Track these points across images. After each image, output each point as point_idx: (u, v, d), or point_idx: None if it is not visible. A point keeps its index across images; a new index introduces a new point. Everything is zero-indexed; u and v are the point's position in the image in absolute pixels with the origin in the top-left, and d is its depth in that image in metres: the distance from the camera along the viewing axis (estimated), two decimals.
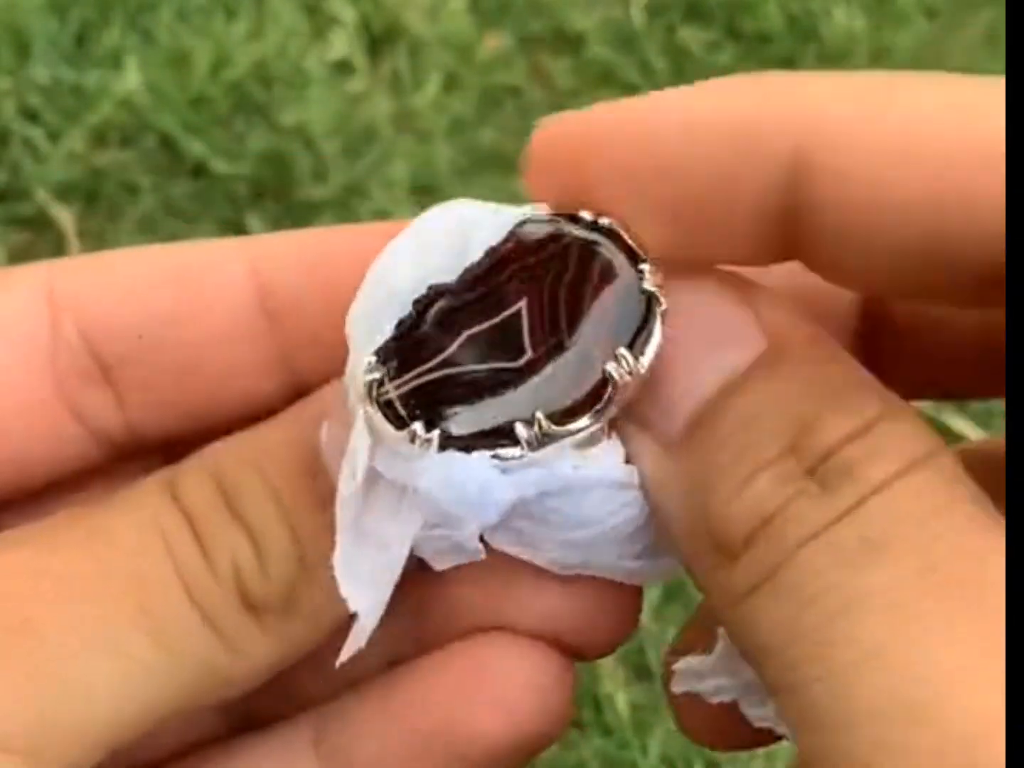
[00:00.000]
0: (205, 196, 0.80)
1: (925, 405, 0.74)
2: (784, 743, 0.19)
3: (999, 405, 0.75)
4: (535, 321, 0.18)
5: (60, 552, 0.18)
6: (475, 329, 0.18)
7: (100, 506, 0.18)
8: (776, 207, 0.15)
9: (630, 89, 0.86)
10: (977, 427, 0.73)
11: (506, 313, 0.18)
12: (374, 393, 0.18)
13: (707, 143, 0.16)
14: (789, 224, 0.15)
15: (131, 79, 0.82)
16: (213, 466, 0.18)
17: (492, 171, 0.82)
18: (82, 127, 0.81)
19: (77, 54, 0.84)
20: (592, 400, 0.17)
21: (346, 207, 0.79)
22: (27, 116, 0.81)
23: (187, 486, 0.18)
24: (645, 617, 0.67)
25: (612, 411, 0.17)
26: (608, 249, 0.18)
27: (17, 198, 0.78)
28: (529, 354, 0.17)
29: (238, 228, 0.79)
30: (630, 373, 0.17)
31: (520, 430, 0.17)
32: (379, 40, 0.87)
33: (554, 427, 0.17)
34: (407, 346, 0.18)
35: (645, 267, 0.18)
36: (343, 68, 0.86)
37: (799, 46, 0.88)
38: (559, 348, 0.17)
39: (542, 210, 0.19)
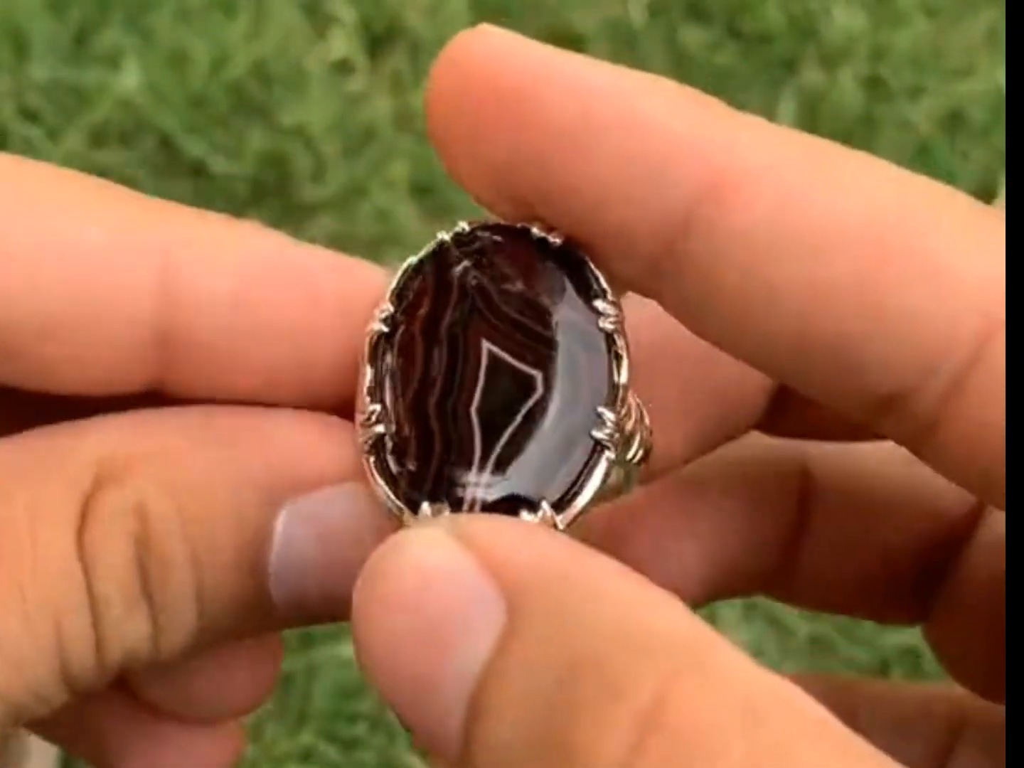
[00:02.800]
0: (205, 196, 0.79)
1: None
2: None
3: None
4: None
5: None
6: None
7: None
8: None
9: None
10: None
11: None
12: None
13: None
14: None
15: (130, 79, 0.82)
16: (134, 500, 0.15)
17: None
18: (81, 127, 0.81)
19: (76, 54, 0.84)
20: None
21: (346, 207, 0.79)
22: (26, 116, 0.81)
23: (101, 528, 0.15)
24: None
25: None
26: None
27: None
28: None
29: None
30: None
31: (526, 517, 0.15)
32: (379, 40, 0.87)
33: (556, 516, 0.16)
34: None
35: (608, 317, 0.16)
36: (343, 68, 0.85)
37: (799, 46, 0.88)
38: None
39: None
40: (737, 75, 0.87)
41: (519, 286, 0.16)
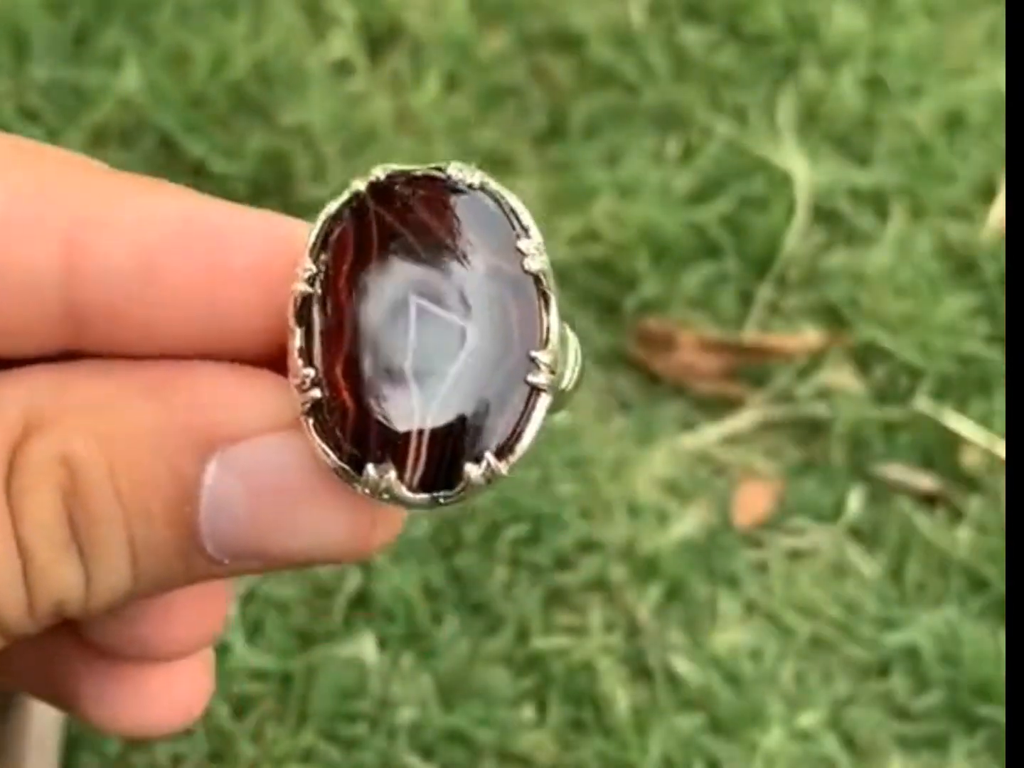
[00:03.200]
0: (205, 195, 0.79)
1: (923, 406, 0.75)
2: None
3: (999, 404, 0.75)
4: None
5: None
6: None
7: None
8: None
9: (630, 88, 0.86)
10: (978, 429, 0.73)
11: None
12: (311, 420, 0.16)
13: None
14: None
15: (131, 79, 0.82)
16: (60, 451, 0.15)
17: (492, 171, 0.82)
18: (81, 127, 0.81)
19: (76, 54, 0.84)
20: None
21: None
22: (27, 116, 0.81)
23: (29, 476, 0.15)
24: (645, 617, 0.67)
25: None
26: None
27: None
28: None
29: None
30: (489, 475, 0.16)
31: (473, 471, 0.16)
32: (379, 40, 0.87)
33: (494, 472, 0.16)
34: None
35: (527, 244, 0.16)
36: (343, 68, 0.85)
37: (799, 46, 0.88)
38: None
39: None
40: (737, 75, 0.87)
41: (441, 234, 0.16)
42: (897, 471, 0.73)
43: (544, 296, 0.16)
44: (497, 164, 0.82)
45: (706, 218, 0.80)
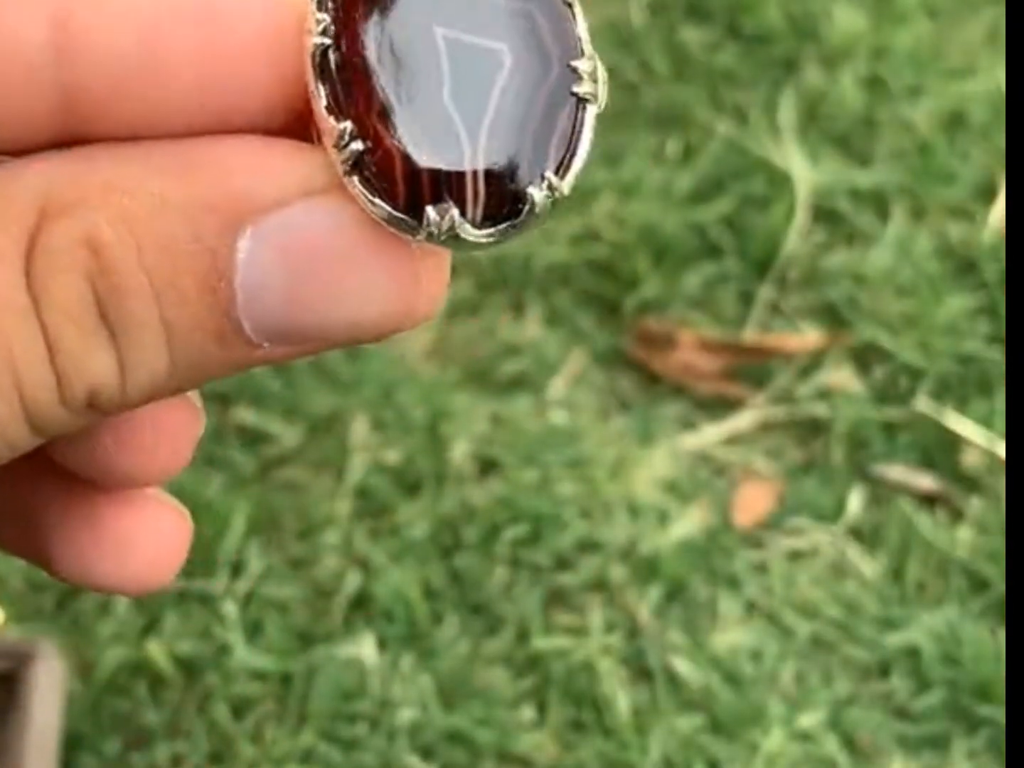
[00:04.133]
0: None
1: (923, 406, 0.75)
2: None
3: (1000, 405, 0.75)
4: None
5: None
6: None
7: None
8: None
9: (631, 88, 0.86)
10: (978, 429, 0.73)
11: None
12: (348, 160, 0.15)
13: None
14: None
15: None
16: (86, 231, 0.15)
17: None
18: None
19: None
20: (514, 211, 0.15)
21: None
22: None
23: (51, 260, 0.15)
24: (645, 617, 0.67)
25: (525, 230, 0.15)
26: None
27: None
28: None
29: None
30: (552, 195, 0.15)
31: (536, 194, 0.15)
32: None
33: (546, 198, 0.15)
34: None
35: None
36: None
37: (799, 46, 0.88)
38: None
39: None
40: (737, 75, 0.87)
41: None
42: (897, 471, 0.73)
43: (570, 6, 0.15)
44: None
45: (706, 218, 0.80)
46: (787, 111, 0.85)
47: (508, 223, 0.15)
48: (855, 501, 0.71)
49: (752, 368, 0.76)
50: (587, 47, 0.15)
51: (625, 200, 0.80)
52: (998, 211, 0.81)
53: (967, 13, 0.91)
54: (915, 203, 0.82)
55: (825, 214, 0.81)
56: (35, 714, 0.57)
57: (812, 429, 0.74)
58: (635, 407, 0.74)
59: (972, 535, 0.70)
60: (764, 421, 0.75)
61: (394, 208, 0.15)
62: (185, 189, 0.15)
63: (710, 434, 0.74)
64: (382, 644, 0.65)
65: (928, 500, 0.72)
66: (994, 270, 0.79)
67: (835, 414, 0.74)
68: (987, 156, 0.83)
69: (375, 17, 0.15)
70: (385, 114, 0.15)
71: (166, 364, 0.15)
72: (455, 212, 0.15)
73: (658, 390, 0.75)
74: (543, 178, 0.15)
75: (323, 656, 0.64)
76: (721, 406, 0.75)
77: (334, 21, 0.15)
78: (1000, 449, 0.72)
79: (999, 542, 0.70)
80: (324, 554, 0.68)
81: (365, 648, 0.64)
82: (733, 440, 0.74)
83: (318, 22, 0.15)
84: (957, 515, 0.71)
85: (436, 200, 0.15)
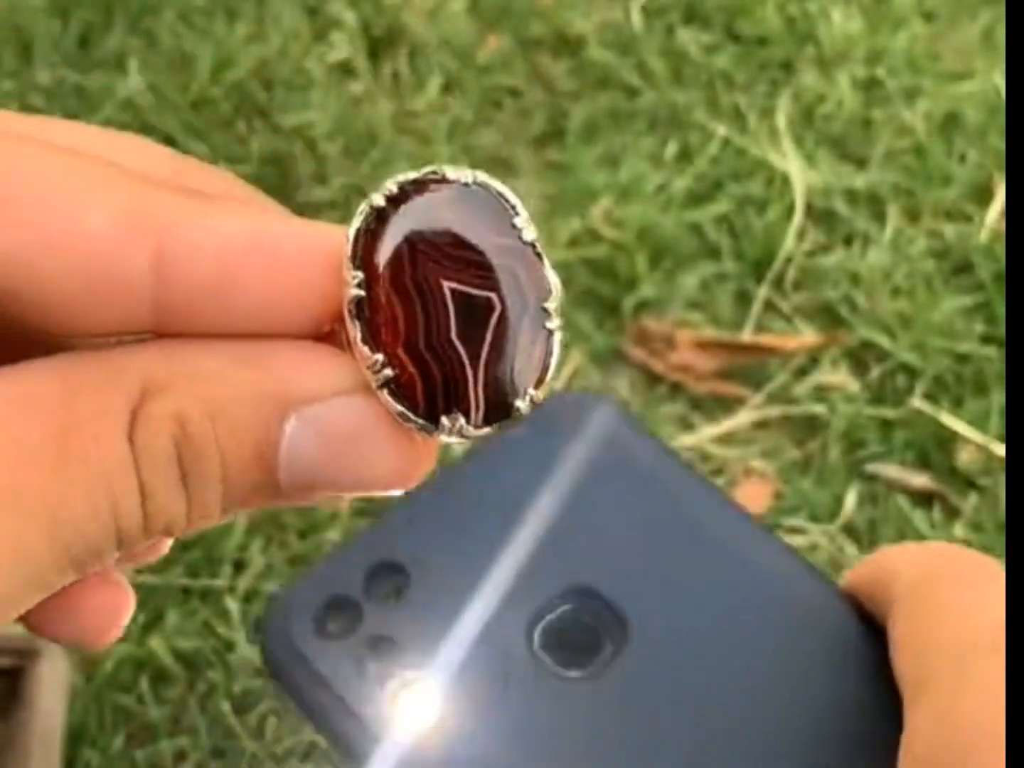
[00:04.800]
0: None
1: (919, 405, 0.75)
2: None
3: (995, 403, 0.75)
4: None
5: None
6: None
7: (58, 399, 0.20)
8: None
9: (629, 90, 0.86)
10: (973, 428, 0.74)
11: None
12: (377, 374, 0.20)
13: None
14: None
15: (133, 81, 0.83)
16: (177, 410, 0.20)
17: (492, 172, 0.82)
18: None
19: (80, 56, 0.84)
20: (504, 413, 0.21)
21: (347, 208, 0.80)
22: None
23: (149, 429, 0.20)
24: None
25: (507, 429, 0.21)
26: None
27: None
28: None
29: None
30: (532, 404, 0.21)
31: (521, 405, 0.20)
32: (380, 42, 0.87)
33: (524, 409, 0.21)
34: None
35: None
36: (344, 70, 0.86)
37: (797, 48, 0.89)
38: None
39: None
40: (735, 77, 0.87)
41: (455, 227, 0.20)
42: (893, 470, 0.73)
43: (540, 257, 0.21)
44: (497, 165, 0.83)
45: (704, 219, 0.81)
46: (784, 113, 0.86)
47: (500, 423, 0.20)
48: (852, 499, 0.72)
49: (750, 368, 0.77)
50: (555, 289, 0.21)
51: (623, 201, 0.81)
52: (994, 212, 0.82)
53: (963, 16, 0.91)
54: (911, 204, 0.82)
55: (822, 215, 0.82)
56: (39, 709, 0.58)
57: (809, 428, 0.75)
58: (633, 406, 0.75)
59: (967, 533, 0.71)
60: (761, 420, 0.75)
61: (415, 415, 0.20)
62: (250, 380, 0.20)
63: (708, 433, 0.74)
64: None
65: (924, 498, 0.72)
66: (989, 270, 0.79)
67: (832, 413, 0.74)
68: (983, 157, 0.84)
69: (399, 273, 0.20)
70: (409, 349, 0.20)
71: (220, 505, 0.21)
72: (462, 420, 0.20)
73: (656, 389, 0.76)
74: (526, 392, 0.20)
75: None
76: (719, 405, 0.75)
77: (366, 276, 0.20)
78: (995, 447, 0.72)
79: (994, 540, 0.70)
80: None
81: None
82: (731, 439, 0.74)
83: (353, 277, 0.20)
84: (953, 513, 0.72)
85: (448, 412, 0.20)
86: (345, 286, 0.20)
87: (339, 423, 0.21)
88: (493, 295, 0.20)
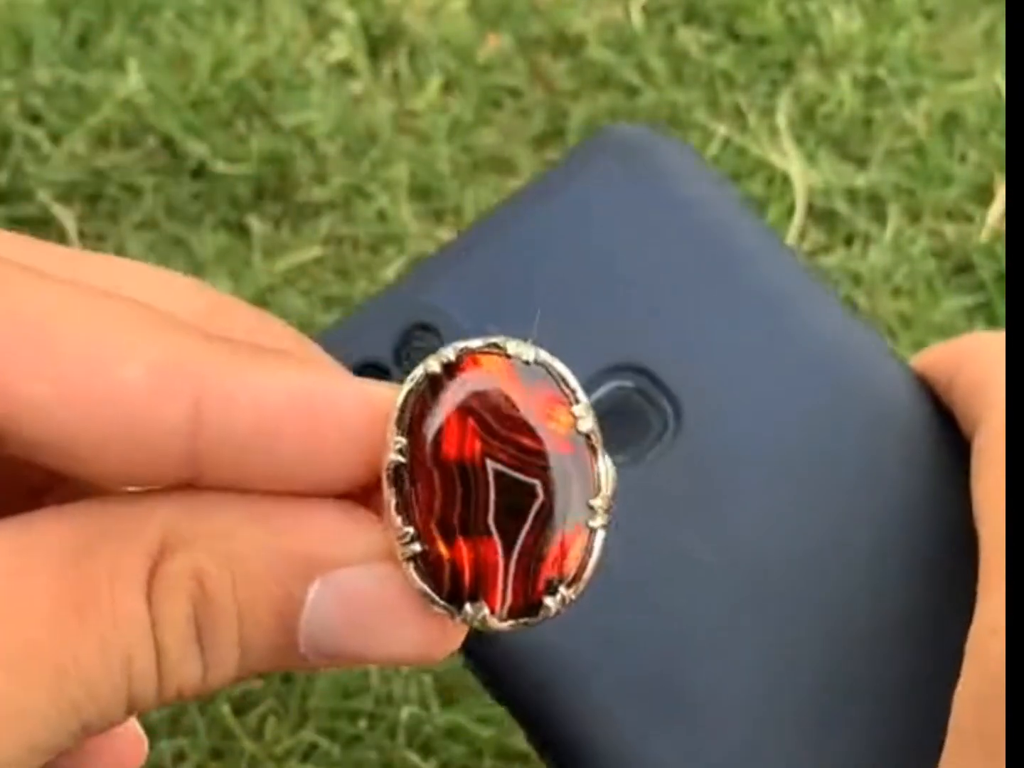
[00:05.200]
0: (206, 197, 0.80)
1: None
2: None
3: None
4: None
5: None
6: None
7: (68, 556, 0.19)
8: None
9: (630, 90, 0.86)
10: None
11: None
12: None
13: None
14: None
15: (133, 80, 0.83)
16: (196, 568, 0.19)
17: (492, 172, 0.82)
18: (84, 128, 0.81)
19: (79, 55, 0.84)
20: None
21: (347, 208, 0.80)
22: (29, 117, 0.81)
23: (167, 588, 0.19)
24: None
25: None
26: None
27: (19, 199, 0.79)
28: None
29: (239, 229, 0.79)
30: (564, 604, 0.20)
31: (551, 603, 0.19)
32: (380, 42, 0.87)
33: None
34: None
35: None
36: (344, 70, 0.86)
37: (797, 48, 0.89)
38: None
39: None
40: (735, 77, 0.87)
41: (510, 408, 0.19)
42: None
43: (593, 450, 0.20)
44: (497, 165, 0.82)
45: None
46: (785, 112, 0.86)
47: (526, 619, 0.20)
48: None
49: None
50: (604, 486, 0.20)
51: None
52: (995, 212, 0.82)
53: (964, 15, 0.91)
54: (912, 204, 0.82)
55: (823, 214, 0.82)
56: None
57: None
58: None
59: None
60: None
61: (438, 596, 0.19)
62: (275, 542, 0.19)
63: None
64: None
65: None
66: (991, 270, 0.79)
67: None
68: (984, 157, 0.84)
69: (444, 445, 0.19)
70: (442, 527, 0.19)
71: (236, 669, 0.20)
72: (486, 611, 0.19)
73: None
74: (557, 591, 0.19)
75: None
76: None
77: (410, 443, 0.19)
78: None
79: None
80: None
81: None
82: None
83: (396, 443, 0.19)
84: None
85: (472, 599, 0.19)
86: (386, 450, 0.19)
87: (363, 592, 0.20)
88: (538, 483, 0.19)
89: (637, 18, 0.90)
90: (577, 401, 0.20)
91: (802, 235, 0.81)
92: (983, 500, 0.26)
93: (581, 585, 0.20)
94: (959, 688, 0.24)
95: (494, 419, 0.19)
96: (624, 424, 0.28)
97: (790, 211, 0.81)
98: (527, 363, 0.20)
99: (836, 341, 0.30)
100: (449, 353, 0.20)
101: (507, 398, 0.19)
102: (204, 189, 0.80)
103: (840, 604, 0.28)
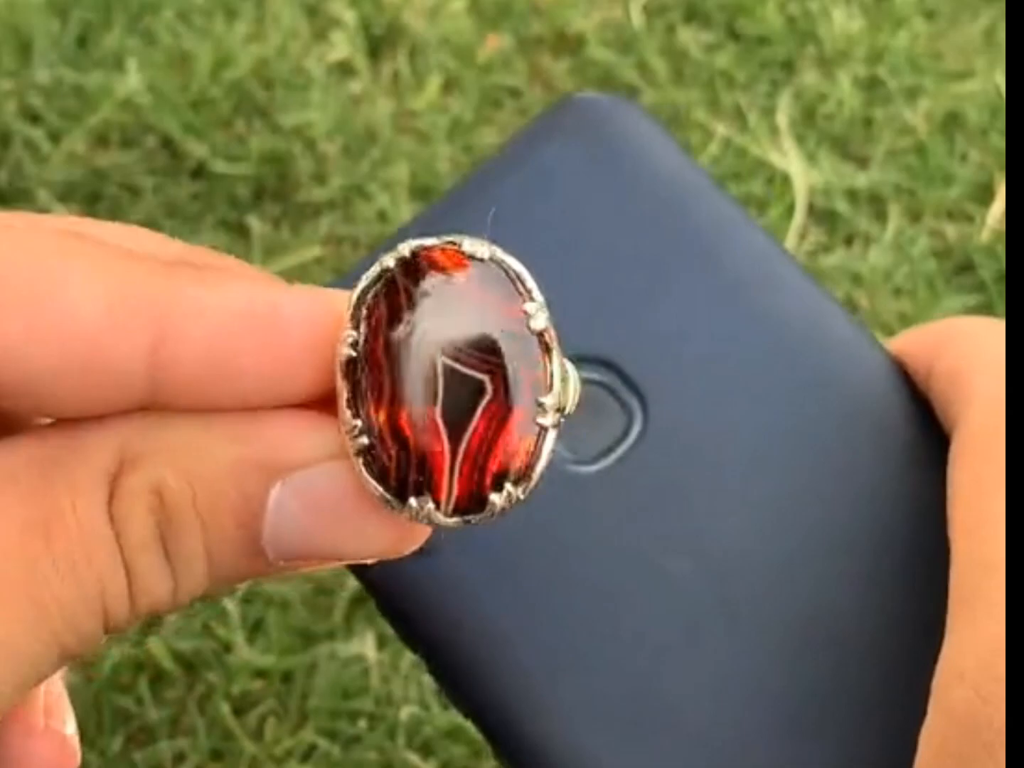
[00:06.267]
0: (206, 197, 0.80)
1: None
2: None
3: None
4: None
5: None
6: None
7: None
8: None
9: (630, 89, 0.86)
10: None
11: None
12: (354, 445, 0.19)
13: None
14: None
15: (132, 80, 0.82)
16: (155, 481, 0.19)
17: None
18: (83, 128, 0.81)
19: (78, 55, 0.84)
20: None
21: (347, 207, 0.79)
22: (28, 117, 0.81)
23: (127, 503, 0.19)
24: None
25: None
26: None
27: (18, 199, 0.79)
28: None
29: (239, 229, 0.79)
30: (510, 501, 0.20)
31: (497, 499, 0.19)
32: (379, 41, 0.87)
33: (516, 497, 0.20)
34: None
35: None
36: (344, 69, 0.86)
37: (798, 47, 0.89)
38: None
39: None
40: (736, 77, 0.87)
41: (462, 303, 0.19)
42: None
43: (547, 349, 0.19)
44: None
45: None
46: (785, 112, 0.86)
47: (472, 516, 0.19)
48: None
49: None
50: (556, 384, 0.19)
51: None
52: (995, 211, 0.82)
53: (964, 15, 0.91)
54: (913, 204, 0.82)
55: (823, 214, 0.82)
56: None
57: None
58: None
59: None
60: None
61: (385, 491, 0.19)
62: (231, 449, 0.20)
63: None
64: (382, 642, 0.65)
65: None
66: (991, 270, 0.79)
67: None
68: (984, 157, 0.84)
69: (394, 339, 0.19)
70: (390, 420, 0.19)
71: (206, 581, 0.20)
72: (431, 504, 0.19)
73: None
74: (503, 487, 0.19)
75: (324, 654, 0.65)
76: None
77: (362, 336, 0.19)
78: None
79: None
80: None
81: (366, 646, 0.65)
82: None
83: (348, 335, 0.19)
84: None
85: (417, 494, 0.19)
86: (340, 343, 0.19)
87: (323, 491, 0.20)
88: (487, 379, 0.19)
89: (637, 18, 0.90)
90: (532, 299, 0.19)
91: (802, 235, 0.81)
92: (959, 520, 0.25)
93: (530, 484, 0.19)
94: (924, 727, 0.24)
95: (447, 316, 0.19)
96: (587, 421, 0.27)
97: (790, 211, 0.81)
98: (482, 260, 0.19)
99: (810, 327, 0.28)
100: (404, 250, 0.19)
101: (461, 294, 0.19)
102: (204, 189, 0.80)
103: (813, 609, 0.27)
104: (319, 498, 0.20)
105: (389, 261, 0.19)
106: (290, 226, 0.79)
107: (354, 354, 0.19)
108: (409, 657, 0.65)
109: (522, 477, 0.19)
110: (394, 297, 0.19)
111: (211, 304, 0.19)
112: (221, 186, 0.80)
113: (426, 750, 0.63)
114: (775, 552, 0.27)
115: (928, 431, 0.27)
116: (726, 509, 0.27)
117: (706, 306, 0.28)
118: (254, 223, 0.79)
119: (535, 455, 0.19)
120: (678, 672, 0.26)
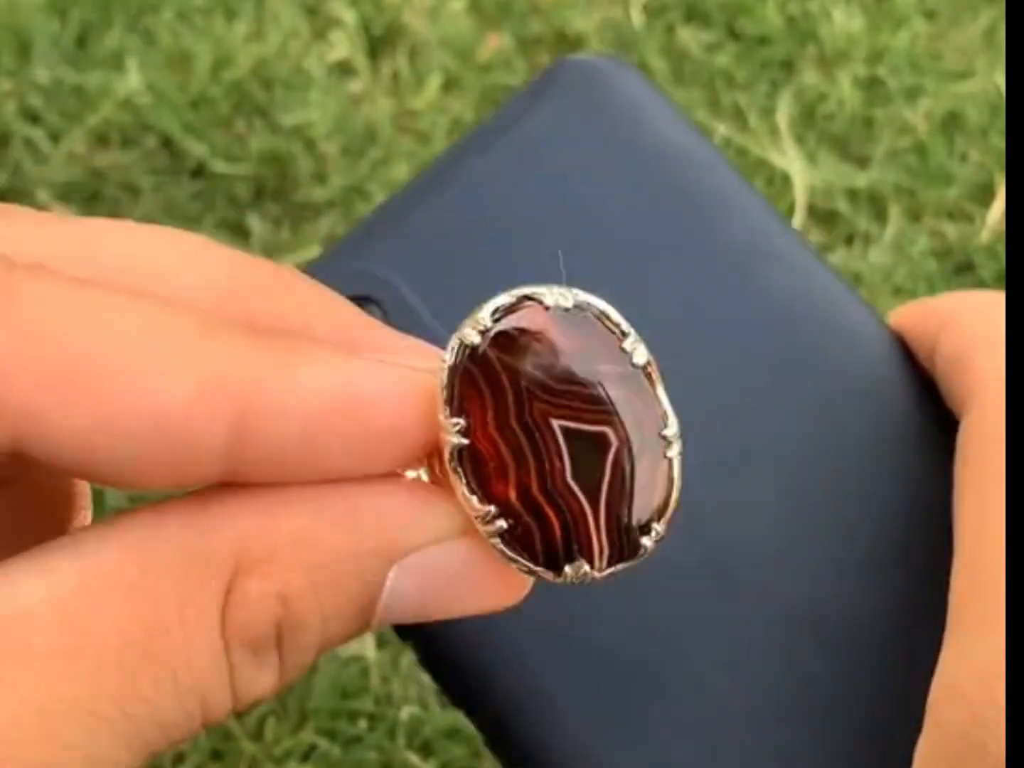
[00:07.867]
0: (206, 197, 0.80)
1: None
2: None
3: None
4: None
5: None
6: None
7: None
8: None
9: None
10: None
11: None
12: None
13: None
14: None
15: (132, 80, 0.82)
16: (280, 587, 0.18)
17: None
18: (83, 128, 0.81)
19: (78, 55, 0.84)
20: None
21: (347, 207, 0.79)
22: (28, 117, 0.81)
23: (247, 612, 0.18)
24: None
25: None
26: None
27: (18, 199, 0.79)
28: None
29: (239, 229, 0.79)
30: (658, 540, 0.19)
31: (647, 543, 0.19)
32: (379, 41, 0.87)
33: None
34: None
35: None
36: (344, 69, 0.86)
37: (798, 47, 0.89)
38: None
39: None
40: (736, 76, 0.87)
41: (556, 358, 0.19)
42: None
43: (651, 379, 0.19)
44: None
45: None
46: (785, 112, 0.86)
47: (625, 564, 0.19)
48: None
49: None
50: (670, 413, 0.19)
51: None
52: (995, 211, 0.81)
53: (964, 15, 0.91)
54: (913, 203, 0.82)
55: (824, 214, 0.82)
56: None
57: None
58: None
59: None
60: None
61: (534, 565, 0.19)
62: (352, 541, 0.19)
63: None
64: (382, 642, 0.65)
65: None
66: (991, 270, 0.79)
67: None
68: (984, 157, 0.84)
69: (503, 416, 0.19)
70: (522, 496, 0.19)
71: (313, 661, 0.20)
72: (586, 567, 0.19)
73: None
74: (651, 529, 0.19)
75: (323, 654, 0.65)
76: None
77: (468, 422, 0.19)
78: None
79: None
80: None
81: (365, 646, 0.65)
82: None
83: (454, 425, 0.19)
84: None
85: (569, 560, 0.19)
86: (444, 433, 0.19)
87: (442, 570, 0.20)
88: (607, 429, 0.19)
89: (637, 18, 0.90)
90: (625, 335, 0.19)
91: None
92: (964, 520, 0.25)
93: (668, 515, 0.19)
94: (920, 742, 0.23)
95: (547, 377, 0.19)
96: None
97: (790, 211, 0.81)
98: (566, 310, 0.19)
99: (809, 299, 0.28)
100: (483, 318, 0.19)
101: (555, 351, 0.19)
102: (203, 189, 0.80)
103: (809, 603, 0.26)
104: (440, 575, 0.20)
105: (471, 336, 0.19)
106: (290, 226, 0.79)
107: (465, 441, 0.19)
108: (409, 657, 0.65)
109: (663, 513, 0.19)
110: (492, 374, 0.19)
111: (298, 385, 0.18)
112: (221, 186, 0.80)
113: (426, 750, 0.63)
114: (775, 538, 0.26)
115: (932, 412, 0.27)
116: (722, 490, 0.27)
117: (702, 278, 0.28)
118: (254, 223, 0.79)
119: (670, 489, 0.19)
120: (677, 669, 0.26)
